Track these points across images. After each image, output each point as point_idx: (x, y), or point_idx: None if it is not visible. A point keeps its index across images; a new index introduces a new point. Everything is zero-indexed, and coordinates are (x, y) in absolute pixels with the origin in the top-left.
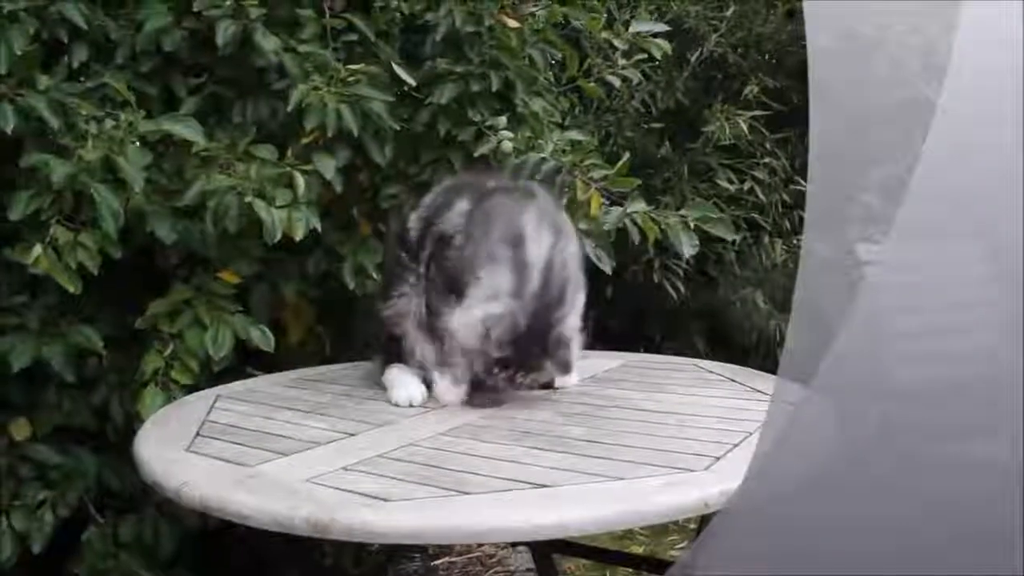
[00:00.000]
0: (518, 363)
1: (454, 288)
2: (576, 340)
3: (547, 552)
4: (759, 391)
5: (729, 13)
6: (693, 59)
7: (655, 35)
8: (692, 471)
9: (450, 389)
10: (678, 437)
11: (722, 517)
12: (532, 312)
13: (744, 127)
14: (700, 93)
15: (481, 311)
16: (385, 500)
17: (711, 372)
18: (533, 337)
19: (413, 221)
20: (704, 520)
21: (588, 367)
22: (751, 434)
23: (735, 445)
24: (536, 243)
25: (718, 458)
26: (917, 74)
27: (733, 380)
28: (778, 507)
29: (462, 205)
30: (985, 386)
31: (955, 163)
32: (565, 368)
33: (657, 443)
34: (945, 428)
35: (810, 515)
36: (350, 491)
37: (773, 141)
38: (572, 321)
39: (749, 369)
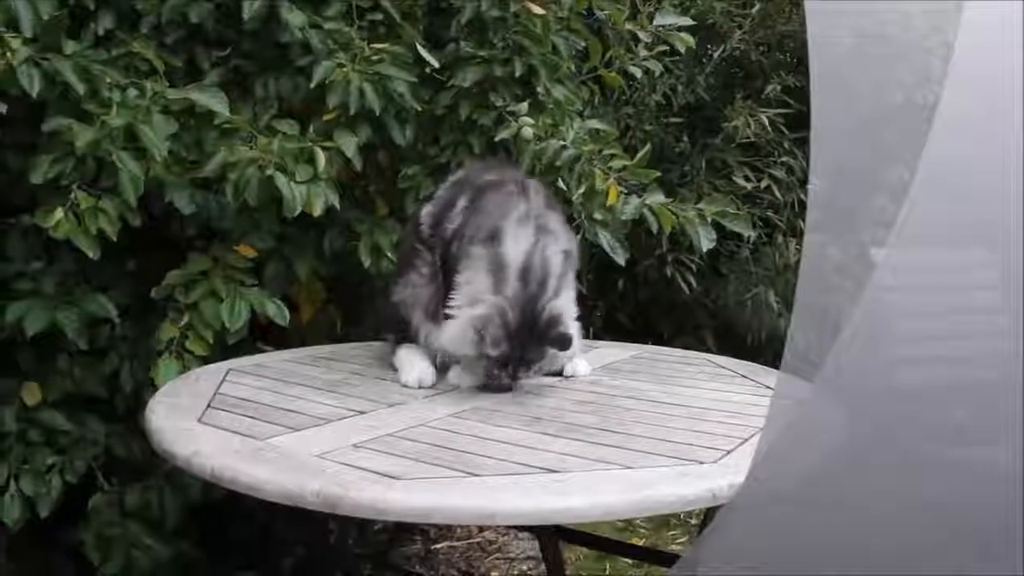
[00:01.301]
0: (518, 358)
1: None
2: (571, 322)
3: (554, 538)
4: (769, 387)
5: (754, 11)
6: (716, 55)
7: (679, 29)
8: (702, 463)
9: (463, 374)
10: (689, 429)
11: (725, 513)
12: (518, 307)
13: (766, 122)
14: (721, 89)
15: (466, 317)
16: (395, 478)
17: (723, 367)
18: (524, 326)
19: (424, 216)
20: (707, 516)
21: (600, 357)
22: (761, 429)
23: (745, 440)
24: (515, 243)
25: (728, 451)
26: (921, 75)
27: (744, 376)
28: (780, 505)
29: (461, 202)
30: (986, 390)
31: (957, 166)
32: (564, 344)
33: (668, 434)
34: (946, 431)
35: (812, 513)
36: (361, 468)
37: (792, 140)
38: (562, 303)
39: (760, 365)
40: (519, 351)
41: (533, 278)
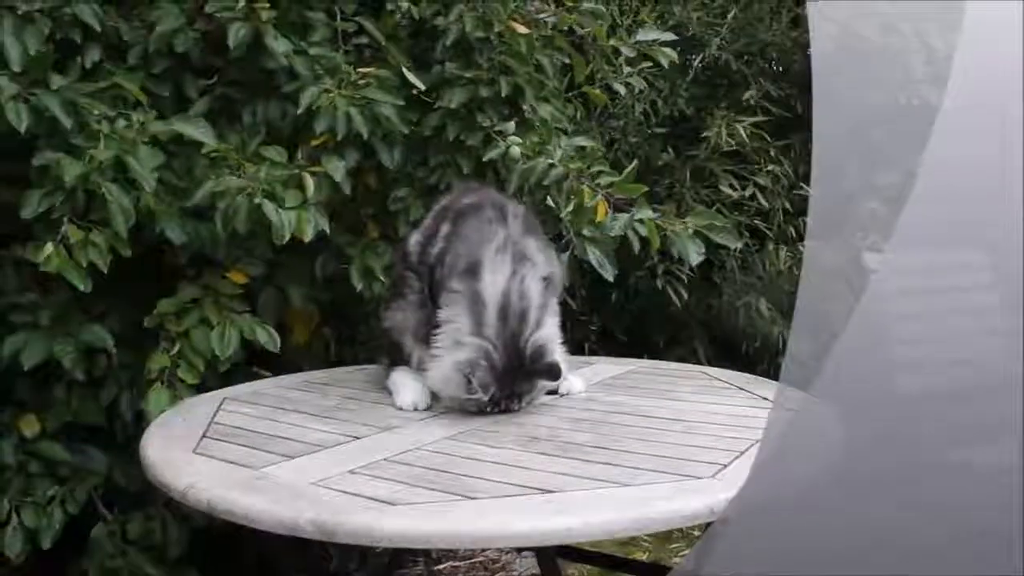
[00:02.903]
0: (508, 395)
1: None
2: (556, 348)
3: (552, 557)
4: (766, 399)
5: (729, 18)
6: (696, 65)
7: (661, 44)
8: (699, 478)
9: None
10: (685, 444)
11: (724, 520)
12: (501, 346)
13: (744, 134)
14: (703, 100)
15: (451, 361)
16: (391, 504)
17: (718, 379)
18: (511, 364)
19: (413, 245)
20: (708, 526)
21: (594, 373)
22: (758, 442)
23: (742, 453)
24: (493, 279)
25: (725, 465)
26: (921, 77)
27: (740, 388)
28: (780, 510)
29: (444, 229)
30: (985, 391)
31: (956, 169)
32: (554, 374)
33: (664, 450)
34: (946, 433)
35: (812, 518)
36: (356, 494)
37: (777, 148)
38: (546, 333)
39: (756, 377)
40: (508, 388)
41: (513, 314)
